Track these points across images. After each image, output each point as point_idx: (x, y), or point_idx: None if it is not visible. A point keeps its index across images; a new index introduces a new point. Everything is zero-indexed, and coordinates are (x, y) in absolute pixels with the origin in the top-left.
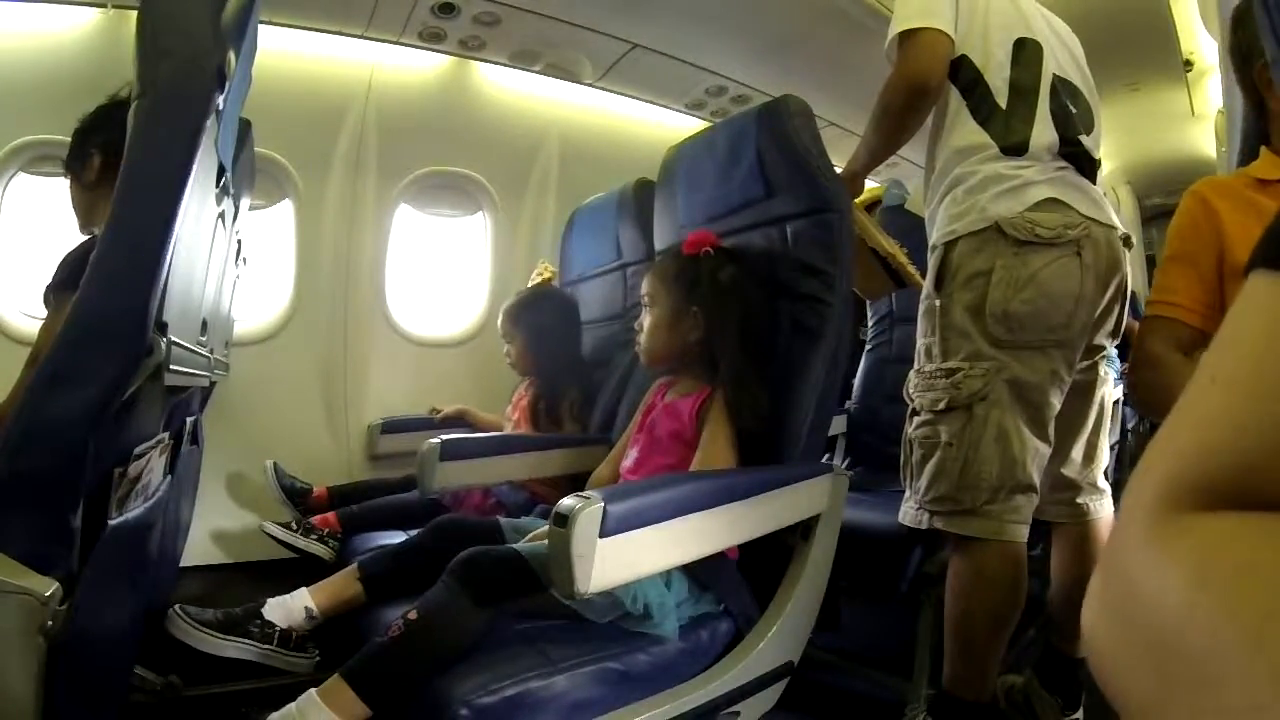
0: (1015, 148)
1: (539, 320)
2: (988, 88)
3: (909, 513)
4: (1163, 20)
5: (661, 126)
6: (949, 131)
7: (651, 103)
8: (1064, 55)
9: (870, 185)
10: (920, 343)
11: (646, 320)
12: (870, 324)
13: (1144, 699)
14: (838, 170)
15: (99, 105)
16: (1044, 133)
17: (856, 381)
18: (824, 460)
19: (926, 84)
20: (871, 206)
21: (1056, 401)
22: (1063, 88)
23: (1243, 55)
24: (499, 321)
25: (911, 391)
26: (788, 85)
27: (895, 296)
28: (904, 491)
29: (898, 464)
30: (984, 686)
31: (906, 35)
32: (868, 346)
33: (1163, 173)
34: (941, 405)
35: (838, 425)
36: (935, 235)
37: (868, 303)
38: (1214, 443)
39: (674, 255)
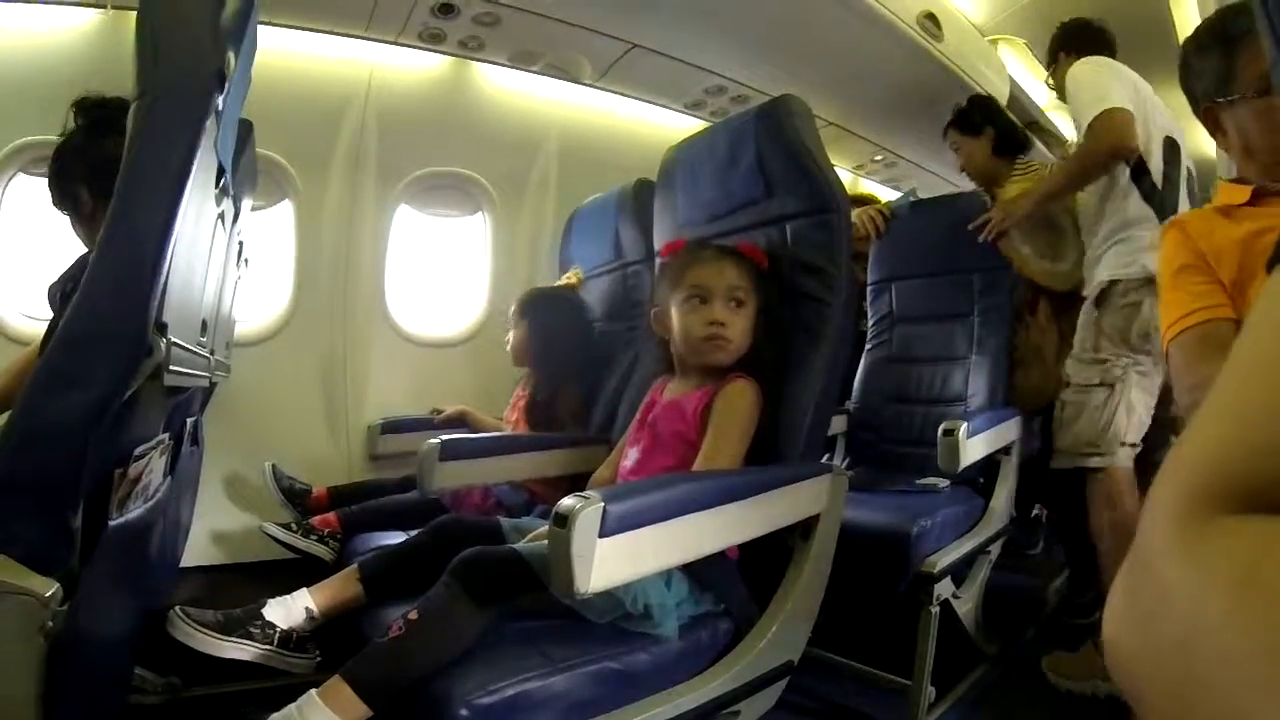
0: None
1: (545, 318)
2: (1149, 172)
3: (1061, 459)
4: (1163, 20)
5: (661, 126)
6: (1123, 200)
7: (651, 103)
8: (1186, 147)
9: (868, 189)
10: (1081, 335)
11: (727, 315)
12: (870, 323)
13: (1171, 707)
14: (841, 171)
15: (56, 149)
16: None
17: (857, 381)
18: (824, 460)
19: (1125, 152)
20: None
21: (1158, 390)
22: (1189, 177)
23: (1193, 98)
24: (511, 308)
25: (1070, 371)
26: (787, 85)
27: (895, 297)
28: (910, 479)
29: (897, 463)
30: None
31: (1107, 112)
32: (868, 346)
33: None
34: (1095, 381)
35: (838, 425)
36: (1104, 272)
37: (868, 299)
38: (1248, 441)
39: (744, 258)
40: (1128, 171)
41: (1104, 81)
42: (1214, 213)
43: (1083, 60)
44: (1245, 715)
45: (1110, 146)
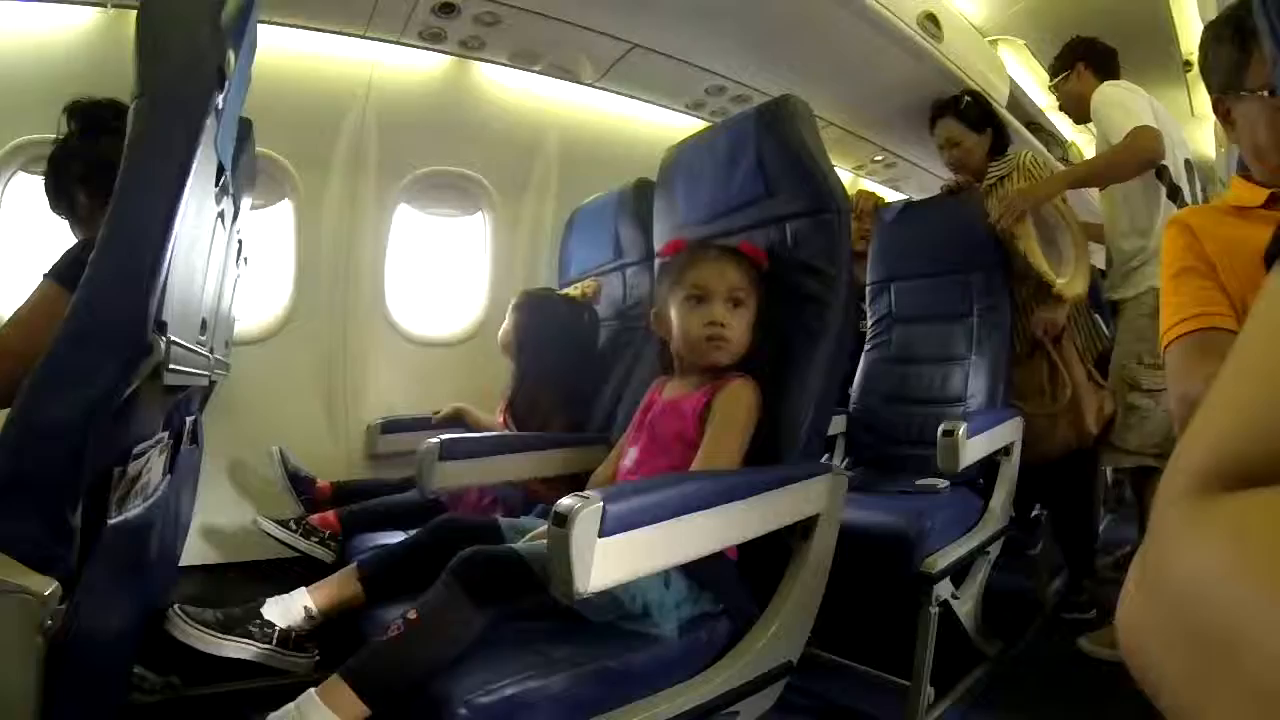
0: None
1: (533, 319)
2: (1180, 193)
3: (1124, 458)
4: (1163, 20)
5: (661, 126)
6: (1162, 216)
7: (651, 102)
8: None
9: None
10: (1143, 345)
11: (726, 315)
12: (870, 324)
13: (1178, 675)
14: (841, 171)
15: (51, 153)
16: None
17: (856, 381)
18: (823, 460)
19: (1156, 161)
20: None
21: None
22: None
23: (1209, 89)
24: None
25: (1137, 376)
26: (787, 85)
27: (895, 297)
28: (910, 480)
29: (897, 464)
30: None
31: (1144, 128)
32: (867, 346)
33: None
34: (1162, 386)
35: (837, 425)
36: (1155, 281)
37: (867, 299)
38: (1248, 427)
39: (745, 259)
40: (1164, 190)
41: (1137, 102)
42: (1225, 211)
43: (1111, 83)
44: (1245, 658)
45: (1142, 153)
